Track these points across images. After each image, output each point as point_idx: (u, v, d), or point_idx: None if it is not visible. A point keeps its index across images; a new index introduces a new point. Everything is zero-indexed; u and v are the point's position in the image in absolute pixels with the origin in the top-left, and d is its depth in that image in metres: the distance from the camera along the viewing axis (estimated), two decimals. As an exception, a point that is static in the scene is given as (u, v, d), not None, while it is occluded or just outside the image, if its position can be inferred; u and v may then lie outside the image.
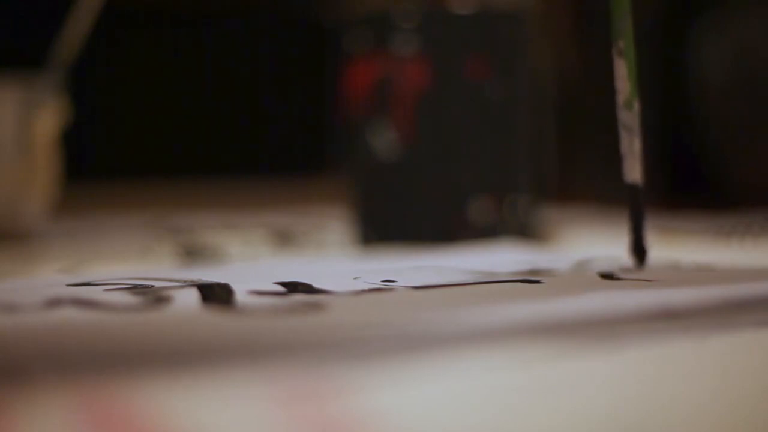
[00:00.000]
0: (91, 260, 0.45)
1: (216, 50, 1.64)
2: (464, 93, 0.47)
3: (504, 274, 0.34)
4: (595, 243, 0.50)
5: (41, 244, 0.54)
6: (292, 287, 0.31)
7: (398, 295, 0.30)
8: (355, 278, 0.33)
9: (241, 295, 0.30)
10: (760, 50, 1.41)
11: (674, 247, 0.47)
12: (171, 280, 0.32)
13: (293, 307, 0.28)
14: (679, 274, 0.34)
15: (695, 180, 1.49)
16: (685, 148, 1.53)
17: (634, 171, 0.35)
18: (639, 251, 0.35)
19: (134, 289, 0.31)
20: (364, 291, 0.31)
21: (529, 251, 0.42)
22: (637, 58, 0.35)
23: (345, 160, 0.51)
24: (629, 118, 0.35)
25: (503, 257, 0.40)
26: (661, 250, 0.41)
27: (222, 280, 0.32)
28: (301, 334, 0.25)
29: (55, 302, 0.28)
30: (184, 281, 0.32)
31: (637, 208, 0.35)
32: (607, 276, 0.34)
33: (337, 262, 0.41)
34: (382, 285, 0.32)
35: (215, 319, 0.26)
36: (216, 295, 0.30)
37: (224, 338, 0.24)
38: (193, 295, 0.30)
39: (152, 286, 0.31)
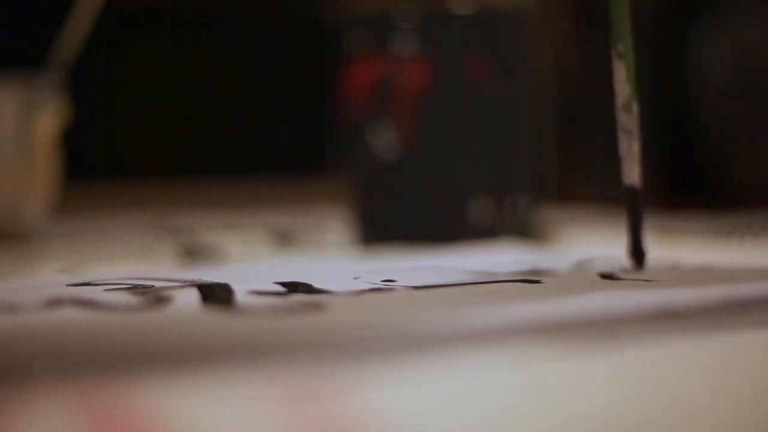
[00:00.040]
0: (91, 260, 0.45)
1: (216, 50, 1.64)
2: (464, 93, 0.47)
3: (504, 274, 0.34)
4: (595, 243, 0.50)
5: (41, 244, 0.54)
6: (292, 287, 0.31)
7: (398, 295, 0.30)
8: (355, 278, 0.33)
9: (241, 295, 0.30)
10: (760, 50, 1.41)
11: (674, 248, 0.47)
12: (171, 280, 0.32)
13: (293, 307, 0.28)
14: (679, 275, 0.34)
15: (695, 180, 1.49)
16: (685, 148, 1.53)
17: (632, 173, 0.35)
18: (637, 254, 0.35)
19: (134, 289, 0.31)
20: (364, 291, 0.31)
21: (529, 251, 0.42)
22: (636, 61, 0.35)
23: (345, 160, 0.51)
24: (628, 120, 0.35)
25: (503, 257, 0.40)
26: (661, 250, 0.41)
27: (222, 280, 0.32)
28: (301, 334, 0.25)
29: (55, 302, 0.28)
30: (184, 281, 0.32)
31: (636, 211, 0.35)
32: (607, 276, 0.34)
33: (337, 262, 0.41)
34: (382, 285, 0.32)
35: (215, 319, 0.26)
36: (216, 295, 0.30)
37: (224, 338, 0.24)
38: (193, 295, 0.30)
39: (152, 286, 0.31)
